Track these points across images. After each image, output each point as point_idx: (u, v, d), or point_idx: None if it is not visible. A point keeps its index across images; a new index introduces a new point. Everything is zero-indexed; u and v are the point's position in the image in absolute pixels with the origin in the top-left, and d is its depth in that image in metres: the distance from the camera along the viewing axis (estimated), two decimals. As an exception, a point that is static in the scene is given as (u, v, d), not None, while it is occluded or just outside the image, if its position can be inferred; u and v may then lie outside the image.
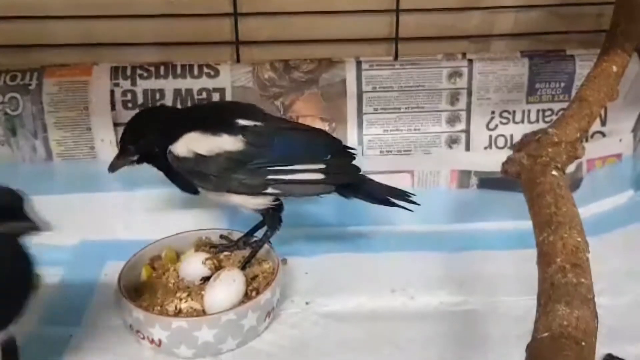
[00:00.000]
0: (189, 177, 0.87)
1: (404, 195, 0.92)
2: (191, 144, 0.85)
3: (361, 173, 0.92)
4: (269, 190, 0.86)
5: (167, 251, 0.94)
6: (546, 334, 0.62)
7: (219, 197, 0.89)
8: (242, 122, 0.88)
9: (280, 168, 0.86)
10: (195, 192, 0.90)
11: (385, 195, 0.92)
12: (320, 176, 0.87)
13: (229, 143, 0.85)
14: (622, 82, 0.97)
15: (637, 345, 0.81)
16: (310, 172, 0.87)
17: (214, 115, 0.91)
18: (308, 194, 0.90)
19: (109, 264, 0.98)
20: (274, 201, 0.88)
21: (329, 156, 0.89)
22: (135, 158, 0.90)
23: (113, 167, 0.90)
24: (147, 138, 0.88)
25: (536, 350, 0.59)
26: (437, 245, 1.04)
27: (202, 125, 0.87)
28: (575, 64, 1.14)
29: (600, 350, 0.70)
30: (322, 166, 0.88)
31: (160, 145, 0.87)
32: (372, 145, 1.15)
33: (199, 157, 0.85)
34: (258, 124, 0.88)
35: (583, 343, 0.61)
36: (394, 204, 0.93)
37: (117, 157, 0.91)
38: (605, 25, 1.05)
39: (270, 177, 0.86)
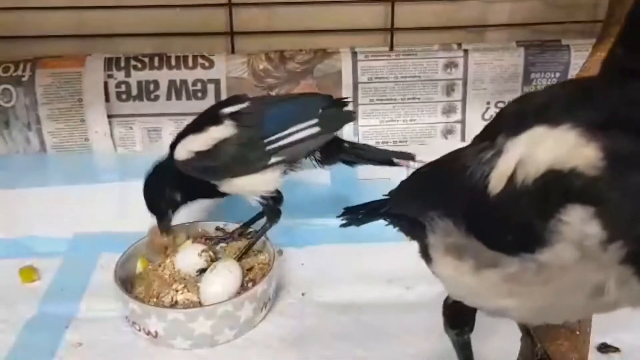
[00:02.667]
0: (199, 176, 0.89)
1: (403, 156, 0.93)
2: (188, 146, 0.87)
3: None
4: (272, 160, 0.87)
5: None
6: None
7: (232, 186, 0.90)
8: (227, 109, 0.89)
9: (275, 137, 0.87)
10: (215, 195, 0.93)
11: (388, 157, 0.93)
12: (316, 129, 0.88)
13: (218, 131, 0.87)
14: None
15: (631, 334, 0.81)
16: (303, 130, 0.88)
17: (198, 119, 0.93)
18: (310, 149, 0.89)
19: (104, 255, 0.98)
20: (279, 181, 0.90)
21: (321, 110, 0.90)
22: (170, 215, 0.93)
23: (165, 226, 0.93)
24: (167, 192, 0.92)
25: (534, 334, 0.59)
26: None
27: (190, 130, 0.89)
28: (571, 54, 1.14)
29: (595, 339, 0.71)
30: (316, 120, 0.89)
31: (180, 186, 0.91)
32: (368, 136, 1.15)
33: (199, 154, 0.87)
34: (244, 106, 0.90)
35: (577, 332, 0.62)
36: (396, 164, 0.93)
37: (159, 218, 0.93)
38: (600, 15, 1.05)
39: (269, 147, 0.87)
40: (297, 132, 0.88)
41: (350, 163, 0.93)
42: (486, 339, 0.80)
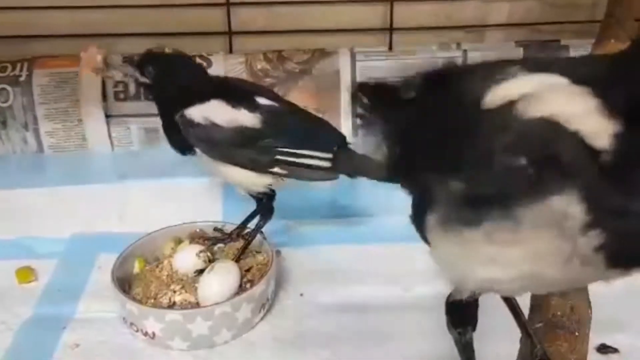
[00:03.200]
0: (194, 142, 0.87)
1: None
2: (209, 112, 0.85)
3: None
4: (276, 169, 0.87)
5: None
6: (540, 324, 0.63)
7: (216, 167, 0.89)
8: (260, 100, 0.88)
9: (290, 150, 0.87)
10: (184, 152, 0.90)
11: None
12: (326, 164, 0.89)
13: (246, 118, 0.86)
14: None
15: (630, 334, 0.81)
16: (317, 159, 0.89)
17: (234, 88, 0.91)
18: (313, 179, 0.90)
19: (102, 256, 0.98)
20: (270, 185, 0.89)
21: (336, 147, 0.91)
22: (144, 80, 0.88)
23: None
24: (164, 82, 0.87)
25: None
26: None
27: (224, 95, 0.87)
28: (570, 54, 1.13)
29: (594, 339, 0.71)
30: (329, 155, 0.89)
31: (170, 97, 0.87)
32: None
33: (214, 126, 0.85)
34: (274, 104, 0.90)
35: (577, 333, 0.62)
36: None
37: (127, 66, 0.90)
38: (599, 15, 1.05)
39: (279, 157, 0.87)
40: (310, 157, 0.88)
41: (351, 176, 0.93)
42: (486, 341, 0.80)
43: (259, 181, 0.88)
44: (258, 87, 0.97)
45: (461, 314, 0.56)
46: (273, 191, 0.91)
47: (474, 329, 0.57)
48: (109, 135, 1.11)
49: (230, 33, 1.13)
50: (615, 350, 0.79)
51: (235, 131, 0.85)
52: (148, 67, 0.87)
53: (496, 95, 0.40)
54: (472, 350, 0.58)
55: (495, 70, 0.43)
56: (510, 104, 0.39)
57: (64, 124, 1.09)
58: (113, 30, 1.11)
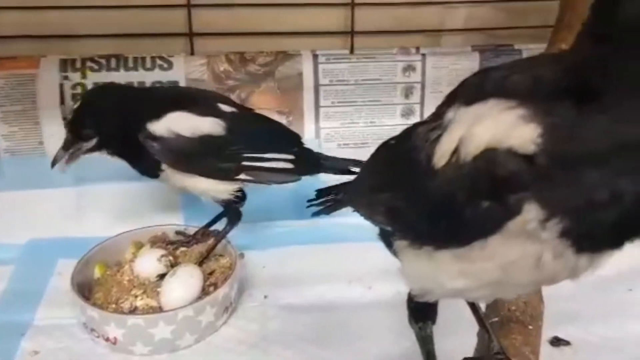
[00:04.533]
0: (159, 157, 0.85)
1: (359, 164, 0.95)
2: (172, 124, 0.84)
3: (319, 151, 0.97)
4: (242, 176, 0.87)
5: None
6: (496, 319, 0.65)
7: (183, 180, 0.88)
8: (222, 107, 0.89)
9: (255, 155, 0.88)
10: (156, 175, 0.88)
11: (346, 167, 0.96)
12: (289, 165, 0.90)
13: (210, 126, 0.85)
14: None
15: (581, 327, 0.84)
16: (281, 161, 0.90)
17: (196, 98, 0.91)
18: (278, 182, 0.91)
19: (61, 262, 0.96)
20: (237, 191, 0.89)
21: (295, 148, 0.93)
22: (93, 143, 0.84)
23: (56, 160, 0.85)
24: (110, 119, 0.84)
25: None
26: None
27: (185, 105, 0.86)
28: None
29: (547, 333, 0.73)
30: (292, 156, 0.91)
31: (124, 126, 0.84)
32: (329, 138, 1.16)
33: (179, 137, 0.84)
34: (235, 110, 0.90)
35: (530, 327, 0.64)
36: (353, 172, 0.95)
37: (66, 146, 0.84)
38: (551, 20, 1.08)
39: (245, 163, 0.87)
40: (273, 160, 0.89)
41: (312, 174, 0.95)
42: (445, 335, 0.82)
43: (224, 188, 0.88)
44: (216, 94, 0.97)
45: (422, 310, 0.58)
46: (242, 195, 0.91)
47: (433, 323, 0.59)
48: (67, 138, 1.08)
49: (191, 34, 1.12)
50: (567, 343, 0.82)
51: (200, 140, 0.85)
52: (84, 131, 0.84)
53: (439, 153, 0.44)
54: (432, 344, 0.60)
55: (432, 130, 0.46)
56: (453, 155, 0.43)
57: (21, 127, 1.07)
58: (72, 32, 1.09)
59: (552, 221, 0.40)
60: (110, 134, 0.84)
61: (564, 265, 0.43)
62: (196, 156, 0.85)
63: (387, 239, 0.58)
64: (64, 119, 1.05)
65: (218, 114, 0.87)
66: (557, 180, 0.39)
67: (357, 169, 0.95)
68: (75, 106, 0.85)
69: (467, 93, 0.46)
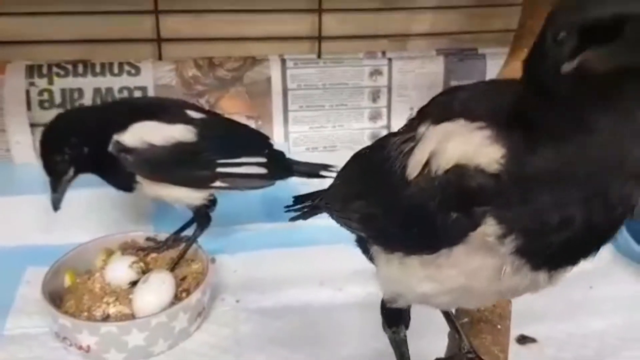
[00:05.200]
0: (133, 169, 0.85)
1: (327, 168, 0.98)
2: (144, 134, 0.84)
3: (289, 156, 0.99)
4: (217, 183, 0.88)
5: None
6: (466, 320, 0.67)
7: (158, 190, 0.88)
8: (191, 113, 0.88)
9: (229, 161, 0.88)
10: (131, 188, 0.88)
11: (316, 171, 0.98)
12: (263, 170, 0.91)
13: (182, 133, 0.85)
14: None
15: (546, 325, 0.87)
16: (254, 166, 0.91)
17: (162, 106, 0.90)
18: (253, 187, 0.92)
19: (29, 270, 0.95)
20: (209, 196, 0.90)
21: (266, 150, 0.94)
22: (71, 173, 0.84)
23: (56, 206, 0.85)
24: (75, 144, 0.83)
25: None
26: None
27: (153, 114, 0.86)
28: (486, 62, 1.20)
29: (514, 331, 0.76)
30: (264, 160, 0.92)
31: (92, 143, 0.83)
32: (298, 142, 1.17)
33: (151, 147, 0.84)
34: (204, 115, 0.90)
35: (499, 326, 0.66)
36: (323, 176, 0.97)
37: (54, 188, 0.85)
38: (514, 25, 1.11)
39: (219, 170, 0.88)
40: (247, 164, 0.90)
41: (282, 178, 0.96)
42: (418, 336, 0.84)
43: (198, 195, 0.89)
44: (182, 102, 0.97)
45: (395, 315, 0.60)
46: (213, 200, 0.92)
47: (406, 328, 0.60)
48: (34, 145, 1.07)
49: (159, 40, 1.12)
50: (533, 340, 0.85)
51: (173, 148, 0.85)
52: (57, 167, 0.84)
53: (412, 165, 0.47)
54: (406, 347, 0.62)
55: (404, 142, 0.49)
56: (425, 167, 0.46)
57: (-14, 134, 1.05)
58: (40, 38, 1.07)
59: (509, 238, 0.43)
60: (80, 158, 0.84)
61: (522, 280, 0.46)
62: (171, 165, 0.85)
63: (363, 245, 0.60)
64: (31, 125, 1.04)
65: (187, 120, 0.87)
66: (514, 200, 0.42)
67: (326, 173, 0.96)
68: (40, 150, 0.84)
69: (437, 111, 0.49)
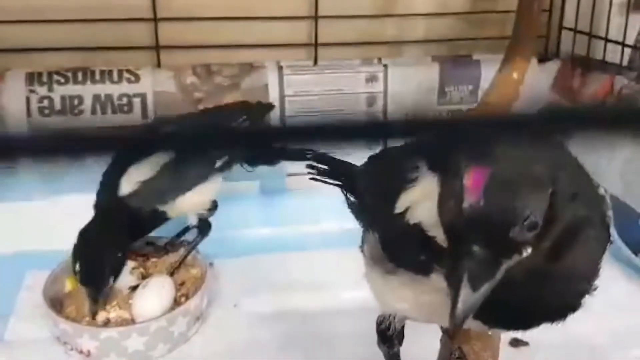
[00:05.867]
0: (152, 204, 0.88)
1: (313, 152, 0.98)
2: (132, 178, 0.87)
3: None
4: (217, 163, 0.91)
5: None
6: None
7: (177, 207, 0.91)
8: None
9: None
10: (158, 224, 0.92)
11: (303, 154, 0.97)
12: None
13: (161, 156, 0.87)
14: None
15: (539, 328, 0.88)
16: None
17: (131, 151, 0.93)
18: (253, 163, 0.96)
19: (30, 275, 0.96)
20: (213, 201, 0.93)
21: (244, 112, 0.97)
22: (111, 282, 0.85)
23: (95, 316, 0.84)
24: (115, 255, 0.86)
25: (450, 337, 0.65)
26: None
27: (130, 159, 0.88)
28: (481, 69, 1.22)
29: (506, 334, 0.77)
30: (243, 118, 0.94)
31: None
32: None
33: (146, 182, 0.87)
34: (174, 126, 0.93)
35: (489, 332, 0.68)
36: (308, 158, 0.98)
37: (95, 300, 0.84)
38: (509, 31, 1.13)
39: (218, 163, 0.91)
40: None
41: (269, 162, 0.99)
42: (410, 342, 0.85)
43: (206, 196, 0.92)
44: (154, 124, 1.01)
45: (389, 335, 0.63)
46: (214, 204, 0.94)
47: (400, 344, 0.64)
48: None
49: (157, 47, 1.13)
50: (525, 344, 0.86)
51: (163, 169, 0.88)
52: (103, 278, 0.85)
53: (402, 201, 0.52)
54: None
55: (407, 171, 0.53)
56: (404, 213, 0.51)
57: (-14, 141, 1.06)
58: (39, 45, 1.09)
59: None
60: (119, 255, 0.87)
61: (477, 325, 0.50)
62: (171, 180, 0.88)
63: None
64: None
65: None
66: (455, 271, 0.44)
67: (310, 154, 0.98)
68: (78, 268, 0.84)
69: (432, 154, 0.52)
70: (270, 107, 1.06)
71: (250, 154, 0.95)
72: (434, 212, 0.45)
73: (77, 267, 0.83)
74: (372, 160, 0.66)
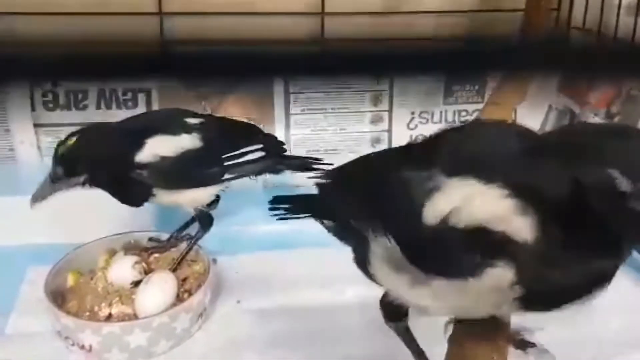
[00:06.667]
0: (151, 182, 0.87)
1: (318, 162, 1.01)
2: (154, 149, 0.86)
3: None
4: (226, 176, 0.91)
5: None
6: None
7: (175, 198, 0.90)
8: (191, 120, 0.91)
9: (233, 154, 0.92)
10: (145, 201, 0.90)
11: (307, 164, 1.01)
12: (262, 153, 0.95)
13: (188, 141, 0.88)
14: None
15: (546, 329, 0.87)
16: (254, 152, 0.94)
17: (166, 118, 0.94)
18: (256, 172, 0.96)
19: (31, 269, 0.96)
20: (216, 195, 0.93)
21: (260, 135, 0.99)
22: (81, 179, 0.86)
23: (41, 196, 0.85)
24: (102, 158, 0.85)
25: (457, 336, 0.64)
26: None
27: (158, 129, 0.88)
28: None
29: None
30: (261, 145, 0.95)
31: (114, 163, 0.86)
32: (299, 144, 1.18)
33: (164, 160, 0.86)
34: (201, 119, 0.92)
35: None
36: (314, 169, 0.98)
37: (54, 180, 0.85)
38: (517, 30, 1.12)
39: (227, 163, 0.91)
40: (248, 152, 0.93)
41: (275, 171, 1.00)
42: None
43: (210, 193, 0.91)
44: (180, 111, 0.98)
45: (394, 309, 0.62)
46: (218, 198, 0.94)
47: (407, 317, 0.64)
48: (38, 146, 1.08)
49: (163, 42, 1.13)
50: (532, 345, 0.85)
51: (184, 157, 0.87)
52: (77, 167, 0.85)
53: (432, 211, 0.51)
54: (411, 334, 0.65)
55: (419, 177, 0.53)
56: (446, 220, 0.50)
57: (-10, 134, 1.06)
58: (42, 38, 1.08)
59: (517, 286, 0.49)
60: (100, 171, 0.86)
61: (509, 311, 0.54)
62: (183, 172, 0.88)
63: (363, 262, 0.62)
64: (35, 125, 1.05)
65: (189, 129, 0.89)
66: (530, 265, 0.48)
67: (316, 165, 0.98)
68: (72, 142, 0.84)
69: (447, 158, 0.52)
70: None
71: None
72: (499, 207, 0.47)
73: (73, 141, 0.83)
74: (363, 164, 0.65)
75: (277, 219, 0.82)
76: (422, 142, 0.60)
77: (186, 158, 0.87)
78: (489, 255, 0.48)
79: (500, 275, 0.49)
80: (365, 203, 0.60)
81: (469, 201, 0.49)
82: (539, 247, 0.47)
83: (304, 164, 1.01)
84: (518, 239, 0.47)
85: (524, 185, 0.48)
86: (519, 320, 0.73)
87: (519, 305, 0.51)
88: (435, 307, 0.56)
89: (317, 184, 0.69)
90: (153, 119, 0.98)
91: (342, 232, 0.67)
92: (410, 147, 0.61)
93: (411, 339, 0.65)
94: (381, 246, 0.57)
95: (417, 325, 0.66)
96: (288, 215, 0.80)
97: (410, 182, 0.53)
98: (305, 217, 0.77)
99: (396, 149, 0.64)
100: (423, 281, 0.54)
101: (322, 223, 0.72)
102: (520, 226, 0.47)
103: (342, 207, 0.65)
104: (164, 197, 0.89)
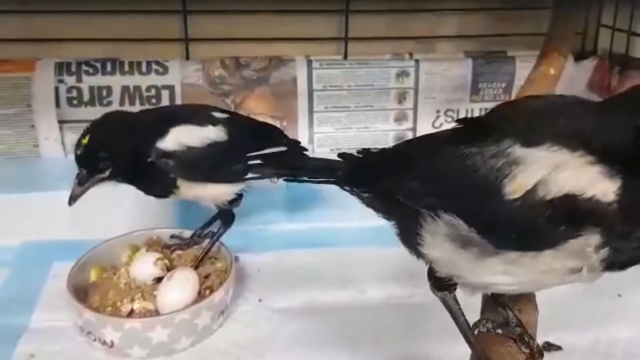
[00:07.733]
0: (177, 173, 0.86)
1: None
2: (179, 138, 0.85)
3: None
4: (249, 175, 0.90)
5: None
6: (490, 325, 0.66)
7: (198, 191, 0.89)
8: (217, 114, 0.91)
9: (256, 153, 0.90)
10: (170, 193, 0.89)
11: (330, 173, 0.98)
12: (285, 157, 0.94)
13: (214, 133, 0.87)
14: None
15: (571, 333, 0.86)
16: (277, 155, 0.93)
17: (192, 110, 0.93)
18: (277, 175, 0.93)
19: (56, 265, 0.96)
20: (240, 191, 0.92)
21: (285, 140, 0.97)
22: (107, 174, 0.84)
23: (74, 198, 0.84)
24: (122, 147, 0.83)
25: (482, 342, 0.62)
26: (387, 240, 1.07)
27: (184, 120, 0.87)
28: (516, 65, 1.19)
29: (539, 338, 0.75)
30: (285, 148, 0.95)
31: (136, 151, 0.84)
32: (322, 143, 1.17)
33: (189, 149, 0.85)
34: (227, 115, 0.92)
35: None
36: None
37: (82, 182, 0.83)
38: (544, 28, 1.10)
39: (251, 162, 0.90)
40: (271, 155, 0.92)
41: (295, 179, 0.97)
42: (434, 341, 0.83)
43: (232, 190, 0.91)
44: (205, 105, 0.98)
45: (444, 281, 0.61)
46: (241, 195, 0.93)
47: (455, 288, 0.62)
48: (62, 142, 1.09)
49: (186, 39, 1.13)
50: (558, 348, 0.83)
51: (210, 148, 0.87)
52: (100, 164, 0.83)
53: (514, 186, 0.51)
54: (458, 305, 0.62)
55: (488, 153, 0.53)
56: (532, 192, 0.50)
57: (15, 130, 1.07)
58: (68, 36, 1.09)
59: (605, 249, 0.50)
60: (123, 161, 0.84)
61: (589, 277, 0.53)
62: (208, 164, 0.87)
63: (412, 239, 0.60)
64: (60, 121, 1.05)
65: (216, 121, 0.89)
66: (619, 226, 0.49)
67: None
68: (85, 140, 0.83)
69: (519, 128, 0.53)
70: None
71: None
72: (587, 173, 0.48)
73: (86, 139, 0.82)
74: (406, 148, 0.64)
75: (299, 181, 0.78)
76: (474, 119, 0.60)
77: (212, 150, 0.86)
78: (577, 222, 0.49)
79: (586, 240, 0.49)
80: (421, 181, 0.58)
81: (555, 172, 0.49)
82: (624, 205, 0.48)
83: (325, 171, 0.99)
84: (605, 203, 0.48)
85: (605, 148, 0.49)
86: (547, 321, 0.71)
87: (601, 268, 0.51)
88: (504, 282, 0.55)
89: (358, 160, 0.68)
90: (177, 110, 0.97)
91: (383, 204, 0.66)
92: (460, 128, 0.59)
93: (460, 311, 0.63)
94: (444, 224, 0.55)
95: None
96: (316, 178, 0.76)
97: (477, 157, 0.53)
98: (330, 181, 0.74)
99: (443, 131, 0.63)
100: (492, 257, 0.53)
101: (358, 195, 0.69)
102: (607, 189, 0.48)
103: (388, 183, 0.62)
104: (187, 190, 0.89)
